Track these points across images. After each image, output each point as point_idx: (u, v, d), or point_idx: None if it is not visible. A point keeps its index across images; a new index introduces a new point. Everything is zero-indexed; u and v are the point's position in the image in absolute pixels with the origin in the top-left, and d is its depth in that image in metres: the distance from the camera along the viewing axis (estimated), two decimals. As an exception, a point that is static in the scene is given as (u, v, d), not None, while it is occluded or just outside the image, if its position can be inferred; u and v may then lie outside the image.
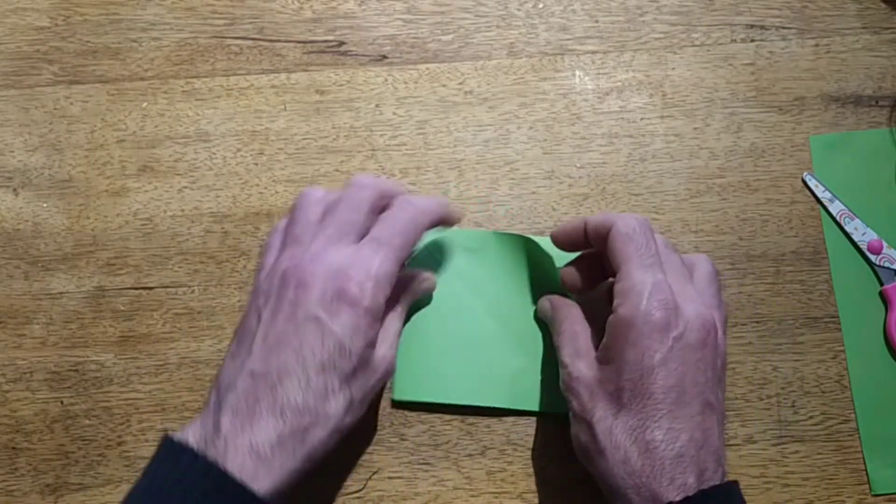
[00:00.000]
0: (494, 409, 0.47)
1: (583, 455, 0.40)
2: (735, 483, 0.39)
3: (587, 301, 0.45)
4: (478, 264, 0.48)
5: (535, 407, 0.46)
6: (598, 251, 0.43)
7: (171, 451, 0.37)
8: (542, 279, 0.48)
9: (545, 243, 0.47)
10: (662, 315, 0.39)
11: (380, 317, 0.40)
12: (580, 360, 0.41)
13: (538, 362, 0.47)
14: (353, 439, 0.47)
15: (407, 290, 0.45)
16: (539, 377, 0.47)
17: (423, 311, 0.48)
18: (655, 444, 0.38)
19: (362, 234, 0.41)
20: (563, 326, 0.44)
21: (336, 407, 0.38)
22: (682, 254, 0.43)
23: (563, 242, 0.45)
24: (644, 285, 0.39)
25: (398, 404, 0.47)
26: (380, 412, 0.47)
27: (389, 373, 0.42)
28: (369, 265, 0.39)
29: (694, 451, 0.38)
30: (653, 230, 0.42)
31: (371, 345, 0.40)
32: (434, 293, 0.48)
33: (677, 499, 0.37)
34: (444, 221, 0.44)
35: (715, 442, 0.39)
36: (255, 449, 0.36)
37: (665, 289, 0.39)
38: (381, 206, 0.43)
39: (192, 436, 0.38)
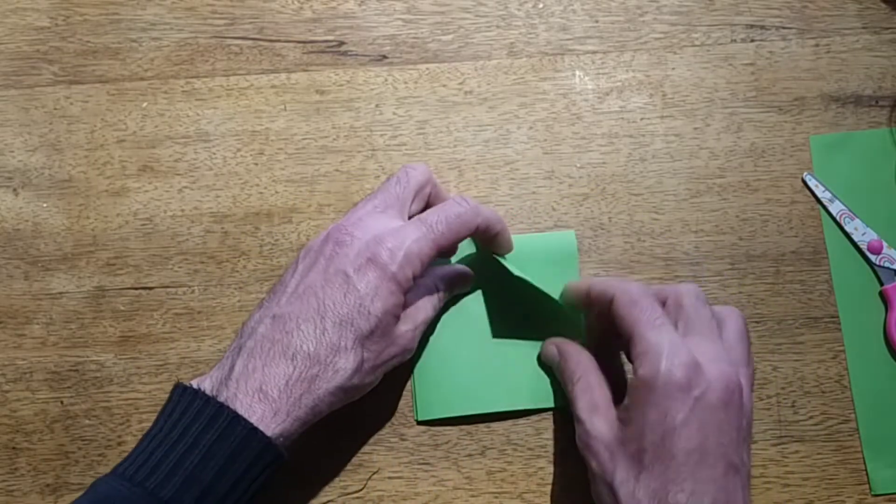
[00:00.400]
0: (518, 411, 0.47)
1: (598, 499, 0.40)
2: None
3: (598, 349, 0.45)
4: (483, 272, 0.48)
5: (556, 403, 0.47)
6: (602, 314, 0.43)
7: (182, 396, 0.39)
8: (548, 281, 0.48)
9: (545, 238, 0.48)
10: (683, 374, 0.38)
11: (405, 288, 0.41)
12: (597, 416, 0.41)
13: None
14: (357, 436, 0.47)
15: (446, 280, 0.46)
16: (552, 374, 0.47)
17: (436, 329, 0.48)
18: None
19: (406, 212, 0.44)
20: (576, 376, 0.43)
21: (345, 363, 0.39)
22: (714, 305, 0.43)
23: (567, 302, 0.46)
24: (661, 346, 0.39)
25: (424, 423, 0.47)
26: (380, 412, 0.47)
27: (407, 351, 0.43)
28: (405, 237, 0.41)
29: None
30: (676, 294, 0.42)
31: (393, 314, 0.41)
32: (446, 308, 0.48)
33: None
34: (493, 231, 0.45)
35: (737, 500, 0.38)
36: (263, 391, 0.38)
37: (682, 348, 0.39)
38: (427, 194, 0.45)
39: (207, 382, 0.40)
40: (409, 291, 0.42)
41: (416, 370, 0.47)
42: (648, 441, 0.38)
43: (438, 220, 0.42)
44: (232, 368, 0.39)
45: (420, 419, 0.47)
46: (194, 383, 0.40)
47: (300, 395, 0.39)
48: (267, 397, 0.38)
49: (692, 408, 0.38)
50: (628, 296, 0.41)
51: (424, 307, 0.44)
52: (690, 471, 0.38)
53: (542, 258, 0.48)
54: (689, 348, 0.39)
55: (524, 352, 0.47)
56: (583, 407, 0.42)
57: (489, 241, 0.46)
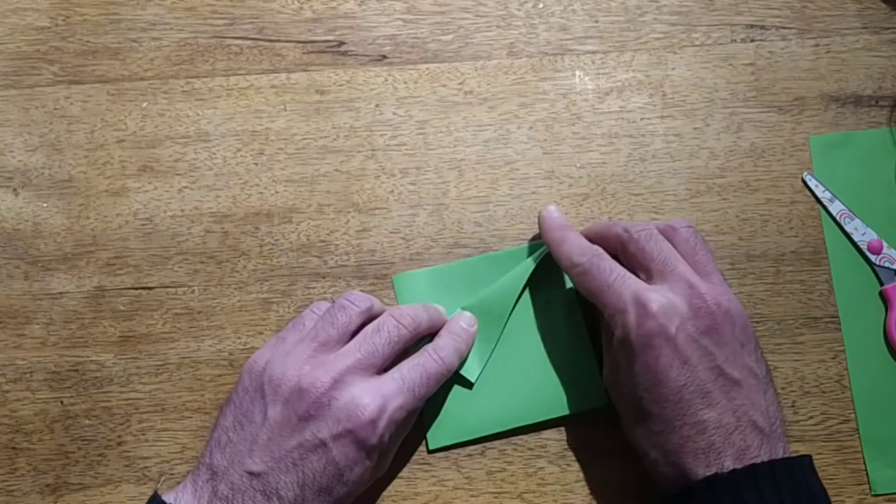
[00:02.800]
0: (529, 426, 0.46)
1: (629, 437, 0.43)
2: (785, 462, 0.38)
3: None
4: (471, 293, 0.48)
5: (564, 411, 0.46)
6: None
7: None
8: (538, 284, 0.48)
9: (523, 251, 0.48)
10: (654, 321, 0.39)
11: (381, 449, 0.41)
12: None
13: (550, 370, 0.47)
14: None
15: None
16: (557, 383, 0.47)
17: None
18: (683, 441, 0.39)
19: (385, 365, 0.43)
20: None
21: None
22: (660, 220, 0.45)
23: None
24: (623, 304, 0.40)
25: (435, 451, 0.47)
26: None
27: (380, 474, 0.44)
28: (386, 403, 0.41)
29: (723, 437, 0.38)
30: (609, 227, 0.44)
31: (369, 469, 0.41)
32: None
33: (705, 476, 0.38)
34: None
35: (752, 416, 0.39)
36: None
37: (645, 296, 0.40)
38: (413, 342, 0.45)
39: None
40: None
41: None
42: (641, 391, 0.40)
43: (420, 385, 0.42)
44: None
45: (432, 448, 0.46)
46: (170, 502, 0.40)
47: None
48: None
49: (673, 348, 0.39)
50: (580, 269, 0.43)
51: (404, 430, 0.45)
52: (687, 406, 0.39)
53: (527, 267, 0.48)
54: (653, 293, 0.40)
55: (523, 367, 0.47)
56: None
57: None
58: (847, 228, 0.50)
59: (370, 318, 0.44)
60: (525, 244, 0.49)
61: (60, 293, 0.49)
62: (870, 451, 0.47)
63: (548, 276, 0.48)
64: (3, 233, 0.50)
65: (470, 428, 0.46)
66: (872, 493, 0.46)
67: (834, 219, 0.50)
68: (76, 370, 0.48)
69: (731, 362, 0.39)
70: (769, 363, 0.48)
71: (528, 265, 0.47)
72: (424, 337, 0.46)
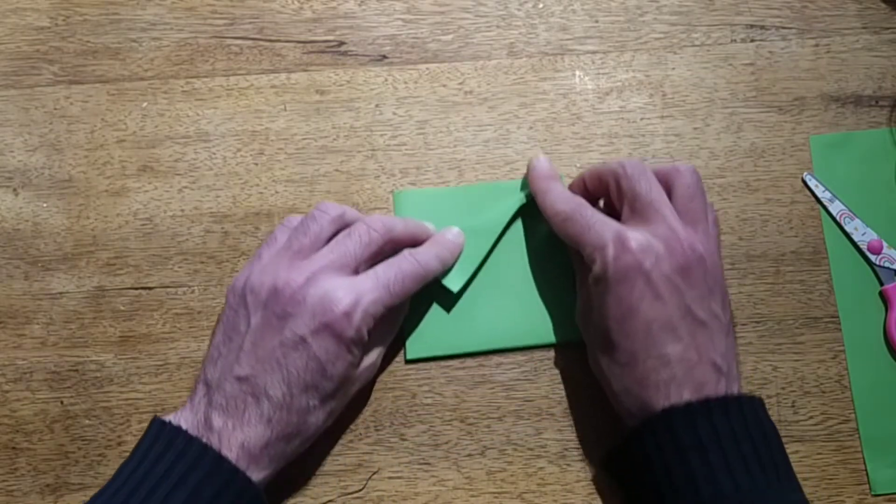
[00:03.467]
0: (506, 349, 0.48)
1: (595, 372, 0.44)
2: (738, 398, 0.40)
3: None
4: (464, 217, 0.49)
5: (541, 340, 0.47)
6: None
7: (165, 434, 0.40)
8: (528, 217, 0.49)
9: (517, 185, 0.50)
10: (630, 257, 0.41)
11: (362, 344, 0.42)
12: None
13: (536, 298, 0.48)
14: (357, 436, 0.47)
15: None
16: (538, 311, 0.48)
17: None
18: (647, 373, 0.40)
19: (360, 268, 0.43)
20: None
21: (316, 420, 0.42)
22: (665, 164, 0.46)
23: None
24: (602, 241, 0.42)
25: (412, 361, 0.48)
26: (380, 412, 0.47)
27: (372, 373, 0.45)
28: (360, 297, 0.41)
29: (684, 371, 0.40)
30: (599, 172, 0.45)
31: (353, 366, 0.42)
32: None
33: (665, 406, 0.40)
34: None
35: (712, 356, 0.41)
36: (246, 448, 0.40)
37: (623, 233, 0.41)
38: (387, 249, 0.45)
39: (183, 422, 0.40)
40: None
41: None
42: (612, 323, 0.41)
43: (394, 282, 0.43)
44: (209, 420, 0.40)
45: (409, 358, 0.47)
46: (172, 420, 0.41)
47: (280, 450, 0.41)
48: (249, 453, 0.40)
49: (647, 282, 0.41)
50: (562, 216, 0.44)
51: (390, 330, 0.46)
52: (654, 339, 0.40)
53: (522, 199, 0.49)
54: (632, 232, 0.41)
55: (509, 292, 0.48)
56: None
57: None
58: (847, 228, 0.50)
59: (343, 225, 0.45)
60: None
61: (60, 293, 0.49)
62: (870, 451, 0.47)
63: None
64: (3, 233, 0.50)
65: (449, 344, 0.47)
66: (872, 493, 0.46)
67: (834, 219, 0.50)
68: (76, 370, 0.48)
69: (699, 304, 0.41)
70: (769, 363, 0.48)
71: (525, 196, 0.49)
72: None
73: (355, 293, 0.41)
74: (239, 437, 0.40)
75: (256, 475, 0.40)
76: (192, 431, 0.40)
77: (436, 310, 0.48)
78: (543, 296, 0.48)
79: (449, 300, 0.48)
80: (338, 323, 0.40)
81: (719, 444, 0.39)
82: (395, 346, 0.47)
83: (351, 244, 0.43)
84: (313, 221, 0.44)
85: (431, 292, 0.47)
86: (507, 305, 0.48)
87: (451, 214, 0.49)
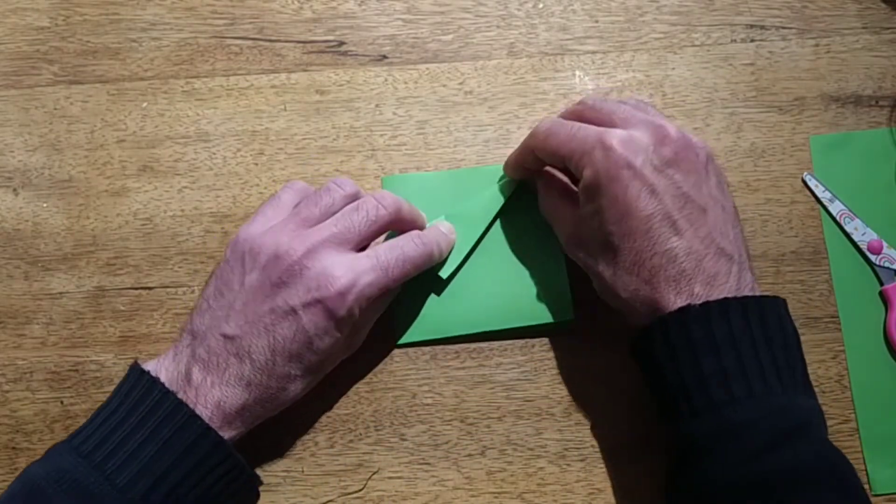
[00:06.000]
0: (496, 332, 0.48)
1: (603, 294, 0.43)
2: (758, 299, 0.39)
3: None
4: (454, 202, 0.49)
5: (531, 321, 0.47)
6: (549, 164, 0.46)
7: (143, 382, 0.40)
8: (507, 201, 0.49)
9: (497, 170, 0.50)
10: (619, 154, 0.40)
11: (351, 323, 0.42)
12: (558, 224, 0.46)
13: (527, 279, 0.48)
14: (357, 436, 0.47)
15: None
16: (527, 293, 0.48)
17: None
18: (655, 271, 0.39)
19: (362, 244, 0.43)
20: (545, 206, 0.47)
21: (295, 388, 0.42)
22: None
23: (515, 177, 0.48)
24: (588, 144, 0.41)
25: (403, 345, 0.48)
26: (380, 412, 0.47)
27: (354, 351, 0.45)
28: (357, 280, 0.41)
29: (694, 263, 0.39)
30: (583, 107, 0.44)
31: (339, 341, 0.42)
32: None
33: (678, 305, 0.39)
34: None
35: (720, 243, 0.40)
36: (222, 408, 0.40)
37: (609, 134, 0.41)
38: (392, 228, 0.45)
39: (163, 372, 0.41)
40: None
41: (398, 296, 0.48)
42: (610, 226, 0.40)
43: (395, 266, 0.43)
44: (189, 374, 0.41)
45: (400, 343, 0.47)
46: (151, 369, 0.41)
47: (253, 414, 0.42)
48: (224, 414, 0.40)
49: (640, 178, 0.40)
50: (544, 133, 0.43)
51: (379, 308, 0.45)
52: (657, 234, 0.40)
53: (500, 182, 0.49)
54: (616, 131, 0.41)
55: (503, 274, 0.48)
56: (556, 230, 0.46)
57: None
58: (847, 228, 0.50)
59: None
60: None
61: (60, 293, 0.49)
62: (870, 451, 0.47)
63: (532, 196, 0.49)
64: (3, 233, 0.50)
65: (440, 327, 0.48)
66: (872, 493, 0.46)
67: (834, 219, 0.50)
68: (76, 370, 0.48)
69: (697, 189, 0.40)
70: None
71: (514, 181, 0.49)
72: None
73: (353, 273, 0.41)
74: (216, 394, 0.40)
75: (227, 433, 0.40)
76: (171, 384, 0.40)
77: (425, 294, 0.48)
78: (533, 276, 0.48)
79: (439, 286, 0.48)
80: (331, 301, 0.40)
81: (734, 346, 0.38)
82: (387, 339, 0.47)
83: (357, 219, 0.43)
84: (327, 194, 0.44)
85: (420, 278, 0.47)
86: (496, 287, 0.48)
87: (441, 199, 0.49)
